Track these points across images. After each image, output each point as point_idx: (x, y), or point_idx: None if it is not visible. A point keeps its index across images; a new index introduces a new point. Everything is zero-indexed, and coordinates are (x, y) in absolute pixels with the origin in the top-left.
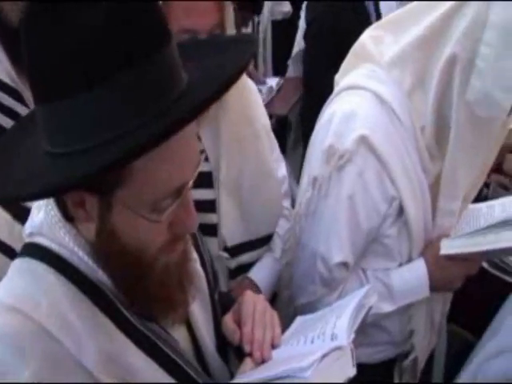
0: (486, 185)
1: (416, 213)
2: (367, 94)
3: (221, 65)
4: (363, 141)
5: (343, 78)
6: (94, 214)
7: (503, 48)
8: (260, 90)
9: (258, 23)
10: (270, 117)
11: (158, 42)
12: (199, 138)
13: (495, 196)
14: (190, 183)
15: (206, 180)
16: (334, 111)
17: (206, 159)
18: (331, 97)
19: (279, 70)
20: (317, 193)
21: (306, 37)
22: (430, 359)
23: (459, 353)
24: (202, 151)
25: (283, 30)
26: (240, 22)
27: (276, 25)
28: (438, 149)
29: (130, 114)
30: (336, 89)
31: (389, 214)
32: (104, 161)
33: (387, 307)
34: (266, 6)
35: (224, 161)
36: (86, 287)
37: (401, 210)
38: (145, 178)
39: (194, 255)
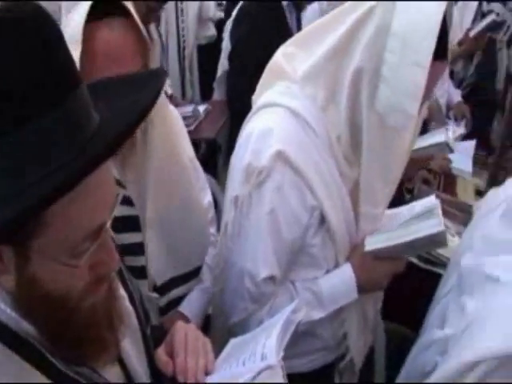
0: (409, 190)
1: (337, 220)
2: (281, 110)
3: (132, 101)
4: (279, 156)
5: (260, 97)
6: (12, 266)
7: (406, 55)
8: (186, 117)
9: (184, 49)
10: (199, 142)
11: (67, 88)
12: (123, 186)
13: (420, 196)
14: (108, 223)
15: (133, 224)
16: (251, 130)
17: (132, 204)
18: (249, 116)
19: (207, 94)
20: (239, 212)
21: (230, 58)
22: (372, 358)
23: (399, 348)
24: (118, 195)
25: (209, 54)
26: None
27: (201, 49)
28: (354, 155)
29: (36, 164)
30: (253, 107)
31: (311, 223)
32: (10, 214)
33: (318, 314)
34: (191, 31)
35: (150, 202)
36: (8, 338)
37: (323, 219)
38: (61, 224)
39: (122, 292)
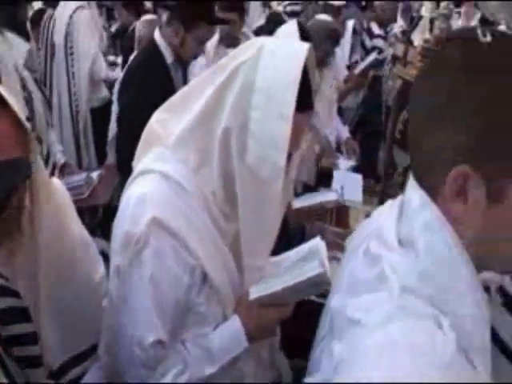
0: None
1: (219, 275)
2: (155, 175)
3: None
4: (155, 222)
5: (138, 163)
6: None
7: (270, 109)
8: (79, 185)
9: (77, 113)
10: (95, 208)
11: None
12: (13, 282)
13: (313, 233)
14: None
15: (22, 315)
16: (127, 198)
17: (19, 296)
18: (128, 183)
19: (103, 158)
20: (122, 280)
21: (118, 121)
22: None
23: None
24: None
25: (102, 116)
26: None
27: (95, 112)
28: (231, 210)
29: None
30: (132, 174)
31: (193, 283)
32: None
33: (210, 369)
34: (83, 94)
35: (41, 287)
36: None
37: (205, 277)
38: None
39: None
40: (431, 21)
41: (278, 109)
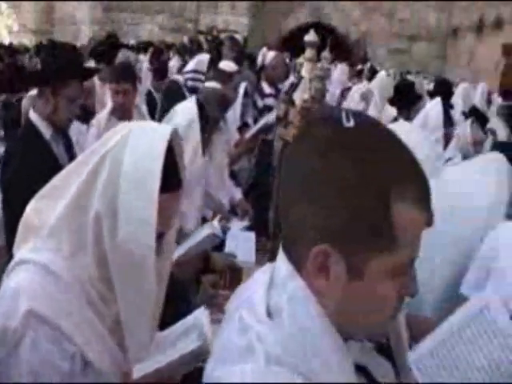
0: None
1: (101, 359)
2: (29, 266)
3: None
4: (30, 313)
5: (17, 252)
6: None
7: (136, 189)
8: None
9: None
10: None
11: None
12: None
13: (205, 300)
14: None
15: None
16: (3, 290)
17: None
18: (5, 274)
19: None
20: (0, 373)
21: (2, 203)
22: None
23: None
24: None
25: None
26: None
27: None
28: (109, 293)
29: None
30: (9, 265)
31: (74, 369)
32: None
33: None
34: None
35: None
36: None
37: (86, 362)
38: None
39: None
40: (311, 81)
41: (144, 187)
